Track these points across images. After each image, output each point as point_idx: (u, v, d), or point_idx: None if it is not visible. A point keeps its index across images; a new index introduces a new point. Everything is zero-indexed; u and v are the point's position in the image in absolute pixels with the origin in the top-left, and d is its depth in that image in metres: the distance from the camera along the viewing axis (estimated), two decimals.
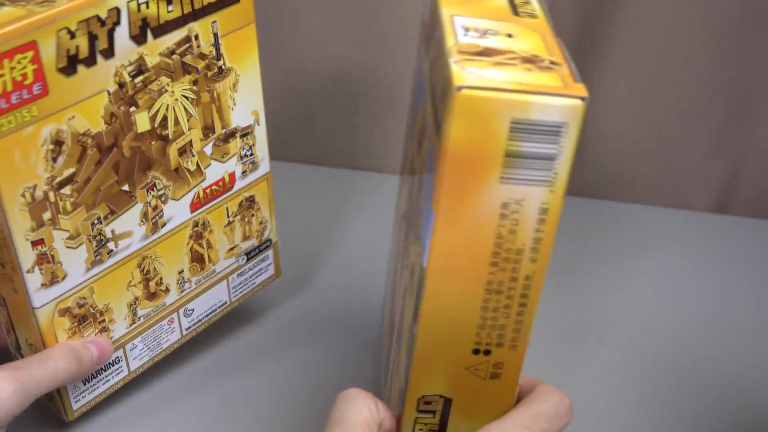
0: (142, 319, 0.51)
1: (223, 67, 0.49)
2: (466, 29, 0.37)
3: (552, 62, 0.35)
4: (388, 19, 0.76)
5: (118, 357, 0.51)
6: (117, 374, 0.51)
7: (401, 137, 0.81)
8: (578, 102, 0.32)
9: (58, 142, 0.43)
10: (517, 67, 0.34)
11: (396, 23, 0.76)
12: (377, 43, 0.76)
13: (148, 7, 0.44)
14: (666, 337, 0.64)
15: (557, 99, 0.32)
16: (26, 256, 0.44)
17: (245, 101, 0.52)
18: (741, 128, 0.81)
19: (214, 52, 0.48)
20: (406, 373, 0.39)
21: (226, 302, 0.57)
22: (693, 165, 0.82)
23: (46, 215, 0.44)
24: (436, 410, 0.39)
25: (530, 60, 0.34)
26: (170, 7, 0.45)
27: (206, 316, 0.56)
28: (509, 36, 0.36)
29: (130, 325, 0.51)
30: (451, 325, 0.37)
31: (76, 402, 0.50)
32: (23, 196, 0.42)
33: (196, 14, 0.47)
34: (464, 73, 0.32)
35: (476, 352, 0.38)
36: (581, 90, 0.32)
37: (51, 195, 0.43)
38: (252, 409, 0.54)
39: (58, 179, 0.43)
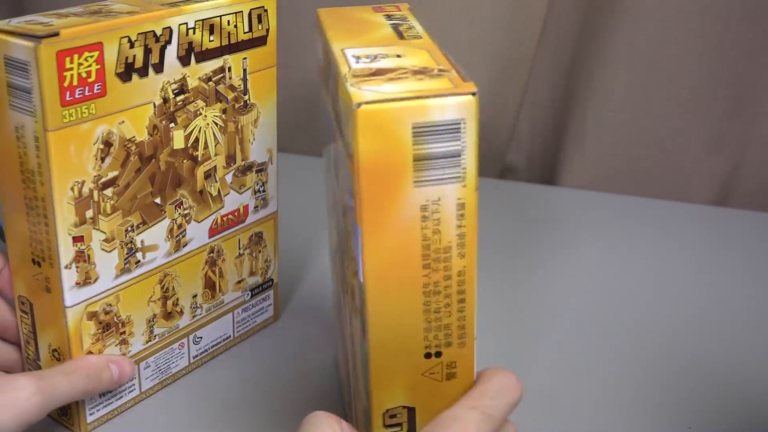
0: (157, 338, 0.52)
1: (248, 101, 0.54)
2: (357, 57, 0.39)
3: (441, 70, 0.37)
4: None
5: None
6: (129, 392, 0.52)
7: None
8: (470, 97, 0.34)
9: (107, 143, 0.46)
10: (409, 79, 0.36)
11: None
12: None
13: (194, 33, 0.49)
14: (666, 329, 0.63)
15: (450, 98, 0.34)
16: (66, 251, 0.45)
17: (263, 138, 0.56)
18: (741, 121, 0.79)
19: (242, 86, 0.53)
20: (366, 392, 0.40)
21: (229, 336, 0.58)
22: (693, 158, 0.81)
23: (89, 213, 0.46)
24: (402, 422, 0.40)
25: (420, 72, 0.37)
26: (211, 37, 0.50)
27: (212, 346, 0.57)
28: (398, 56, 0.39)
29: (147, 342, 0.52)
30: (399, 335, 0.38)
31: (90, 415, 0.50)
32: (72, 189, 0.45)
33: (231, 48, 0.52)
34: (361, 92, 0.35)
35: (428, 356, 0.39)
36: (471, 86, 0.35)
37: (95, 194, 0.46)
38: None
39: (103, 179, 0.46)
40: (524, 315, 0.64)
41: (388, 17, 0.45)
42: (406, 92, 0.35)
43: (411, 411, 0.40)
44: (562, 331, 0.63)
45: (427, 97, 0.34)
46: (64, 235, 0.45)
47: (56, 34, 0.41)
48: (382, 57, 0.39)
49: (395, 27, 0.44)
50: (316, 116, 0.89)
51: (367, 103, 0.34)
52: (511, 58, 0.82)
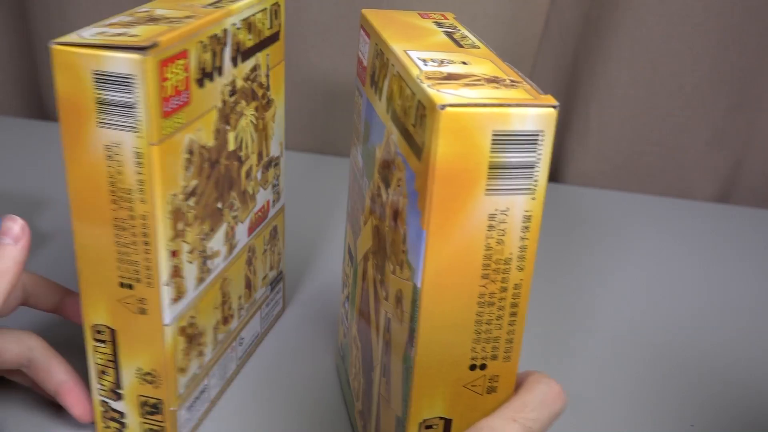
0: (219, 344, 0.52)
1: (270, 97, 0.53)
2: (424, 60, 0.38)
3: (512, 81, 0.37)
4: None
5: (206, 385, 0.51)
6: (204, 403, 0.51)
7: None
8: (551, 110, 0.34)
9: (190, 152, 0.44)
10: (484, 86, 0.36)
11: None
12: None
13: (240, 32, 0.48)
14: (667, 326, 0.63)
15: (533, 109, 0.34)
16: (165, 267, 0.44)
17: (278, 132, 0.56)
18: (744, 117, 0.80)
19: (266, 83, 0.52)
20: (405, 401, 0.39)
21: (258, 333, 0.58)
22: (696, 154, 0.81)
23: (180, 225, 0.45)
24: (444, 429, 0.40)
25: (493, 80, 0.37)
26: (250, 36, 0.49)
27: (248, 346, 0.57)
28: (464, 63, 0.39)
29: (213, 349, 0.51)
30: (447, 344, 0.38)
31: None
32: (169, 202, 0.43)
33: (261, 45, 0.51)
34: (442, 94, 0.34)
35: (473, 367, 0.39)
36: (551, 99, 0.35)
37: (183, 205, 0.44)
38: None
39: (187, 189, 0.45)
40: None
41: (438, 24, 0.45)
42: (487, 98, 0.34)
43: (447, 422, 0.40)
44: (560, 326, 0.63)
45: (510, 105, 0.34)
46: (164, 251, 0.43)
47: (156, 45, 0.40)
48: (449, 62, 0.39)
49: (449, 35, 0.43)
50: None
51: (452, 105, 0.33)
52: (514, 54, 0.83)
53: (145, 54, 0.39)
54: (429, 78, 0.36)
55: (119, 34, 0.40)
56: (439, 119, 0.34)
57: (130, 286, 0.44)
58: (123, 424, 0.49)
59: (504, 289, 0.37)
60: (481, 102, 0.34)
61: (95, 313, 0.46)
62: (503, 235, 0.36)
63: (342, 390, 0.55)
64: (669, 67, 0.78)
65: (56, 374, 0.49)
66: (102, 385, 0.48)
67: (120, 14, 0.44)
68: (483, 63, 0.39)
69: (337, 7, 0.83)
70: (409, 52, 0.40)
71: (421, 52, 0.40)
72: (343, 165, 0.89)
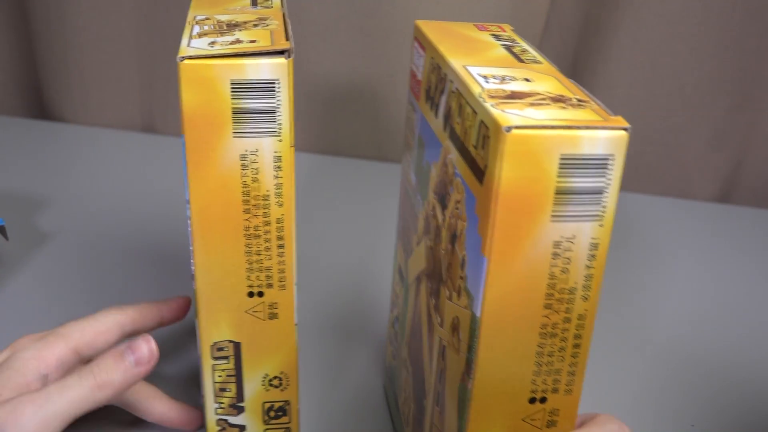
0: None
1: None
2: (485, 77, 0.37)
3: (579, 100, 0.35)
4: (381, 37, 0.82)
5: None
6: None
7: (396, 128, 0.85)
8: (623, 133, 0.32)
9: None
10: (551, 106, 0.34)
11: (386, 40, 0.81)
12: (372, 57, 0.81)
13: None
14: (667, 326, 0.63)
15: (603, 131, 0.32)
16: (295, 267, 0.46)
17: None
18: (744, 117, 0.79)
19: None
20: (460, 431, 0.37)
21: None
22: (696, 154, 0.81)
23: None
24: None
25: (559, 99, 0.35)
26: None
27: None
28: (527, 80, 0.37)
29: None
30: (506, 376, 0.36)
31: None
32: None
33: None
34: (507, 115, 0.32)
35: (532, 401, 0.37)
36: (622, 121, 0.33)
37: None
38: None
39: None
40: None
41: (496, 37, 0.43)
42: (555, 120, 0.32)
43: None
44: None
45: (579, 127, 0.32)
46: (295, 251, 0.44)
47: (291, 48, 0.40)
48: (511, 79, 0.37)
49: (508, 48, 0.41)
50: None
51: (518, 127, 0.32)
52: None
53: (288, 57, 0.40)
54: (492, 96, 0.35)
55: (236, 42, 0.41)
56: (504, 142, 0.32)
57: (260, 294, 0.45)
58: None
59: (567, 320, 0.35)
60: (549, 124, 0.32)
61: (217, 330, 0.45)
62: (568, 264, 0.34)
63: (390, 412, 0.53)
64: (669, 68, 0.78)
65: (156, 408, 0.49)
66: (220, 403, 0.47)
67: (191, 25, 0.44)
68: (547, 80, 0.37)
69: (338, 7, 0.82)
70: (468, 68, 0.38)
71: (481, 67, 0.38)
72: (344, 165, 0.88)
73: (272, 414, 0.48)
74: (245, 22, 0.44)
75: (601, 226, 0.34)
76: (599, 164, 0.33)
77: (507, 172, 0.32)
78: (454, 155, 0.38)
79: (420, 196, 0.44)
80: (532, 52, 0.41)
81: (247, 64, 0.39)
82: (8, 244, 0.69)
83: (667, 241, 0.74)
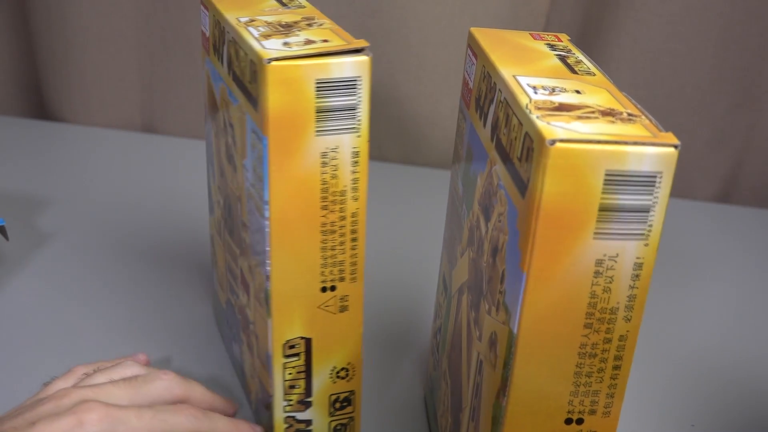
0: None
1: None
2: (534, 88, 0.36)
3: (630, 114, 0.34)
4: (382, 37, 0.82)
5: None
6: None
7: (396, 128, 0.85)
8: (672, 150, 0.31)
9: None
10: (599, 120, 0.33)
11: (386, 40, 0.82)
12: (372, 57, 0.83)
13: None
14: (666, 326, 0.62)
15: (651, 148, 0.31)
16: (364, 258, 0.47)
17: None
18: (745, 117, 0.78)
19: None
20: None
21: None
22: (696, 154, 0.81)
23: None
24: None
25: (609, 113, 0.34)
26: None
27: None
28: (578, 92, 0.36)
29: None
30: (542, 395, 0.35)
31: None
32: None
33: None
34: (552, 128, 0.32)
35: (568, 421, 0.36)
36: (672, 138, 0.32)
37: None
38: None
39: None
40: None
41: (551, 47, 0.42)
42: (601, 134, 0.31)
43: None
44: None
45: (626, 143, 0.31)
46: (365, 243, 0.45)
47: (366, 45, 0.41)
48: (561, 91, 0.36)
49: (562, 59, 0.40)
50: None
51: (562, 141, 0.31)
52: None
53: (368, 54, 0.41)
54: (539, 108, 0.34)
55: (308, 42, 0.41)
56: (547, 155, 0.31)
57: (333, 288, 0.45)
58: None
59: (608, 341, 0.34)
60: (595, 138, 0.31)
61: (289, 328, 0.46)
62: (610, 283, 0.33)
63: (429, 424, 0.53)
64: (670, 68, 0.77)
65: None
66: (289, 400, 0.48)
67: (242, 28, 0.44)
68: (598, 92, 0.36)
69: (338, 7, 0.82)
70: (518, 78, 0.37)
71: (532, 77, 0.37)
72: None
73: (338, 405, 0.49)
74: (295, 23, 0.44)
75: (646, 245, 0.33)
76: (646, 182, 0.32)
77: (549, 186, 0.31)
78: (499, 166, 0.37)
79: (466, 206, 0.43)
80: (587, 63, 0.40)
81: (332, 63, 0.40)
82: (8, 244, 0.69)
83: (667, 240, 0.74)
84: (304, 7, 0.48)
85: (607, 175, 0.31)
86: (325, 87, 0.40)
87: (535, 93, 0.35)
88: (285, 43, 0.41)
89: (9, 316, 0.61)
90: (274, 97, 0.40)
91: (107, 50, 0.89)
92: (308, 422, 0.49)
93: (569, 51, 0.42)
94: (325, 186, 0.43)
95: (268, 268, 0.44)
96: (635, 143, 0.31)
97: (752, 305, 0.66)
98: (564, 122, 0.32)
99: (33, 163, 0.83)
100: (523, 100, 0.35)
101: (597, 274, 0.33)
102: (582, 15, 0.79)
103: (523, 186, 0.33)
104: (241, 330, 0.52)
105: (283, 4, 0.48)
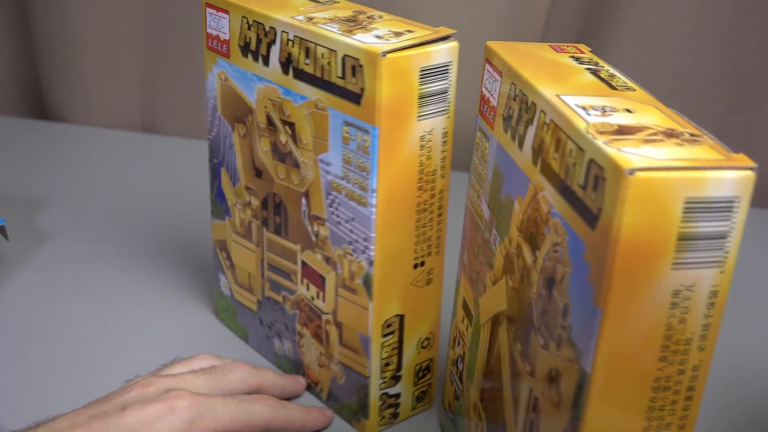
0: None
1: None
2: (584, 108, 0.34)
3: (692, 134, 0.32)
4: None
5: None
6: None
7: None
8: (750, 173, 0.30)
9: None
10: (665, 143, 0.31)
11: None
12: None
13: None
14: None
15: (729, 172, 0.30)
16: None
17: None
18: (744, 117, 0.79)
19: None
20: None
21: None
22: None
23: None
24: None
25: (671, 134, 0.32)
26: None
27: None
28: (629, 111, 0.34)
29: None
30: None
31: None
32: None
33: None
34: (626, 155, 0.30)
35: None
36: (746, 160, 0.30)
37: None
38: None
39: None
40: None
41: (578, 60, 0.40)
42: (677, 160, 0.30)
43: None
44: None
45: (705, 168, 0.29)
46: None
47: (454, 35, 0.45)
48: (612, 110, 0.34)
49: (595, 73, 0.39)
50: None
51: (641, 169, 0.29)
52: None
53: (456, 40, 0.45)
54: (601, 132, 0.32)
55: (399, 34, 0.44)
56: (626, 186, 0.29)
57: (422, 263, 0.48)
58: (397, 407, 0.52)
59: (681, 372, 0.33)
60: (673, 165, 0.29)
61: (388, 308, 0.48)
62: (686, 313, 0.32)
63: None
64: (669, 67, 0.77)
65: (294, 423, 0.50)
66: (383, 378, 0.50)
67: (314, 25, 0.45)
68: (649, 110, 0.35)
69: None
70: (563, 98, 0.35)
71: (577, 97, 0.35)
72: None
73: (420, 375, 0.52)
74: (352, 18, 0.47)
75: (722, 272, 0.31)
76: (724, 207, 0.30)
77: (629, 218, 0.30)
78: (549, 192, 0.35)
79: (497, 231, 0.41)
80: (621, 77, 0.39)
81: (432, 51, 0.43)
82: (8, 244, 0.69)
83: None
84: (338, 1, 0.50)
85: (686, 202, 0.30)
86: (426, 74, 0.44)
87: (588, 114, 0.34)
88: (377, 36, 0.44)
89: (9, 316, 0.60)
90: (387, 89, 0.42)
91: (107, 50, 0.88)
92: (398, 395, 0.51)
93: (597, 64, 0.40)
94: (422, 167, 0.46)
95: (372, 253, 0.46)
96: (713, 168, 0.30)
97: (752, 305, 0.66)
98: (633, 147, 0.31)
99: (33, 163, 0.83)
100: (580, 124, 0.33)
101: (673, 305, 0.31)
102: (582, 15, 0.78)
103: (591, 217, 0.31)
104: (298, 324, 0.53)
105: (317, 1, 0.50)
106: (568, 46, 0.43)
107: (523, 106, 0.38)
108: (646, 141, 0.31)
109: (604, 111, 0.34)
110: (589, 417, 0.33)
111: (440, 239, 0.48)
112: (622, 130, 0.32)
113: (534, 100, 0.37)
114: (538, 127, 0.36)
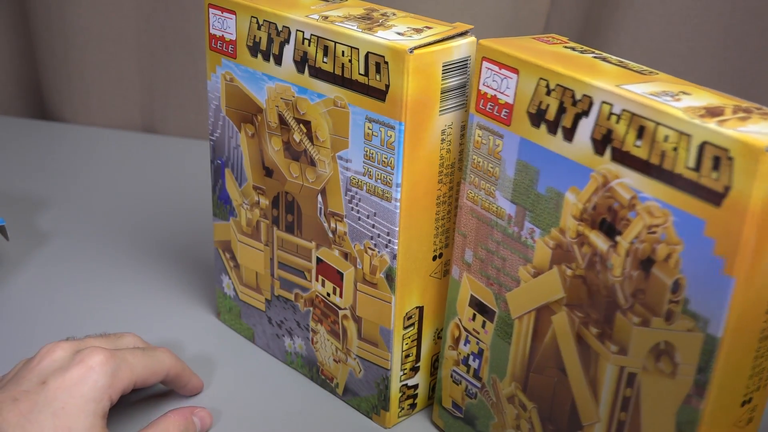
0: None
1: None
2: (654, 95, 0.36)
3: (757, 108, 0.36)
4: None
5: None
6: None
7: None
8: None
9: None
10: (753, 118, 0.34)
11: None
12: None
13: None
14: None
15: None
16: None
17: None
18: None
19: None
20: None
21: None
22: None
23: None
24: None
25: (748, 110, 0.35)
26: None
27: None
28: (685, 93, 0.37)
29: None
30: (733, 388, 0.36)
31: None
32: None
33: None
34: (746, 134, 0.32)
35: (743, 404, 0.37)
36: None
37: None
38: None
39: None
40: None
41: (573, 49, 0.42)
42: None
43: None
44: None
45: None
46: None
47: (471, 30, 0.46)
48: (673, 94, 0.37)
49: (606, 60, 0.41)
50: None
51: None
52: None
53: (472, 35, 0.45)
54: (700, 115, 0.34)
55: (418, 30, 0.45)
56: (761, 161, 0.32)
57: (440, 255, 0.49)
58: (415, 397, 0.53)
59: None
60: None
61: (409, 300, 0.49)
62: None
63: None
64: (669, 68, 0.79)
65: (190, 384, 0.53)
66: (404, 370, 0.51)
67: (334, 23, 0.46)
68: (696, 91, 0.37)
69: None
70: (626, 87, 0.37)
71: (633, 85, 0.37)
72: None
73: (436, 365, 0.53)
74: (366, 15, 0.47)
75: None
76: None
77: (758, 191, 0.32)
78: (631, 179, 0.37)
79: (533, 224, 0.42)
80: (630, 62, 0.41)
81: (453, 47, 0.44)
82: (8, 244, 0.69)
83: None
84: None
85: None
86: (448, 69, 0.44)
87: (670, 100, 0.36)
88: (398, 33, 0.44)
89: (9, 316, 0.60)
90: (413, 84, 0.43)
91: (107, 50, 0.88)
92: (416, 386, 0.52)
93: (594, 51, 0.43)
94: (442, 161, 0.47)
95: (395, 247, 0.47)
96: None
97: None
98: (741, 126, 0.33)
99: (33, 163, 0.83)
100: (673, 111, 0.35)
101: None
102: (582, 15, 0.78)
103: (714, 195, 0.34)
104: (312, 321, 0.53)
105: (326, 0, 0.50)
106: (548, 37, 0.44)
107: (568, 100, 0.39)
108: (741, 119, 0.34)
109: (673, 96, 0.37)
110: (716, 378, 0.36)
111: (453, 229, 0.50)
112: (713, 112, 0.35)
113: (588, 92, 0.38)
114: (600, 119, 0.37)
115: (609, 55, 0.42)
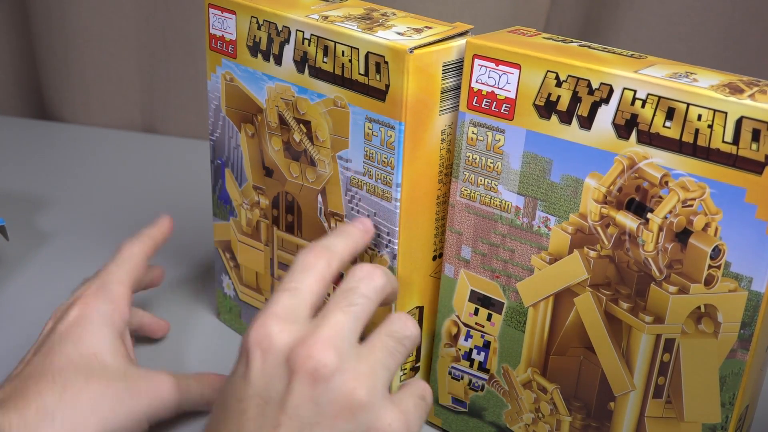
0: None
1: None
2: (672, 77, 0.39)
3: (763, 82, 0.39)
4: None
5: None
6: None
7: None
8: None
9: None
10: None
11: None
12: None
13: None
14: None
15: None
16: None
17: None
18: None
19: None
20: (727, 405, 0.40)
21: None
22: None
23: None
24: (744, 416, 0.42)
25: (756, 84, 0.39)
26: None
27: None
28: (692, 74, 0.40)
29: None
30: (764, 336, 0.40)
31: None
32: None
33: None
34: None
35: None
36: None
37: None
38: None
39: None
40: None
41: (554, 40, 0.44)
42: None
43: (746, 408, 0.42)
44: None
45: None
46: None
47: (470, 30, 0.46)
48: (685, 76, 0.39)
49: (588, 47, 0.43)
50: None
51: None
52: None
53: (472, 35, 0.45)
54: (731, 92, 0.37)
55: (418, 30, 0.45)
56: None
57: (440, 255, 0.49)
58: None
59: None
60: None
61: (410, 300, 0.49)
62: None
63: None
64: None
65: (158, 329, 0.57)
66: (404, 370, 0.50)
67: (333, 23, 0.45)
68: (703, 72, 0.40)
69: None
70: (643, 72, 0.39)
71: (647, 69, 0.40)
72: None
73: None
74: (366, 15, 0.47)
75: None
76: None
77: None
78: (661, 159, 0.39)
79: (547, 212, 0.43)
80: (615, 48, 0.44)
81: (453, 47, 0.44)
82: (8, 244, 0.69)
83: None
84: None
85: None
86: (448, 69, 0.44)
87: (694, 81, 0.38)
88: (398, 33, 0.44)
89: (9, 316, 0.61)
90: (413, 84, 0.43)
91: (107, 50, 0.89)
92: None
93: (573, 40, 0.45)
94: (441, 161, 0.47)
95: (395, 247, 0.46)
96: None
97: None
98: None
99: (33, 163, 0.83)
100: (704, 91, 0.37)
101: None
102: (582, 15, 0.78)
103: (755, 165, 0.36)
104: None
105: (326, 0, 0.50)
106: (521, 29, 0.46)
107: (583, 90, 0.41)
108: (762, 92, 0.38)
109: (686, 76, 0.39)
110: (760, 330, 0.39)
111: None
112: (736, 90, 0.38)
113: (606, 81, 0.40)
114: (622, 104, 0.39)
115: (591, 43, 0.44)
